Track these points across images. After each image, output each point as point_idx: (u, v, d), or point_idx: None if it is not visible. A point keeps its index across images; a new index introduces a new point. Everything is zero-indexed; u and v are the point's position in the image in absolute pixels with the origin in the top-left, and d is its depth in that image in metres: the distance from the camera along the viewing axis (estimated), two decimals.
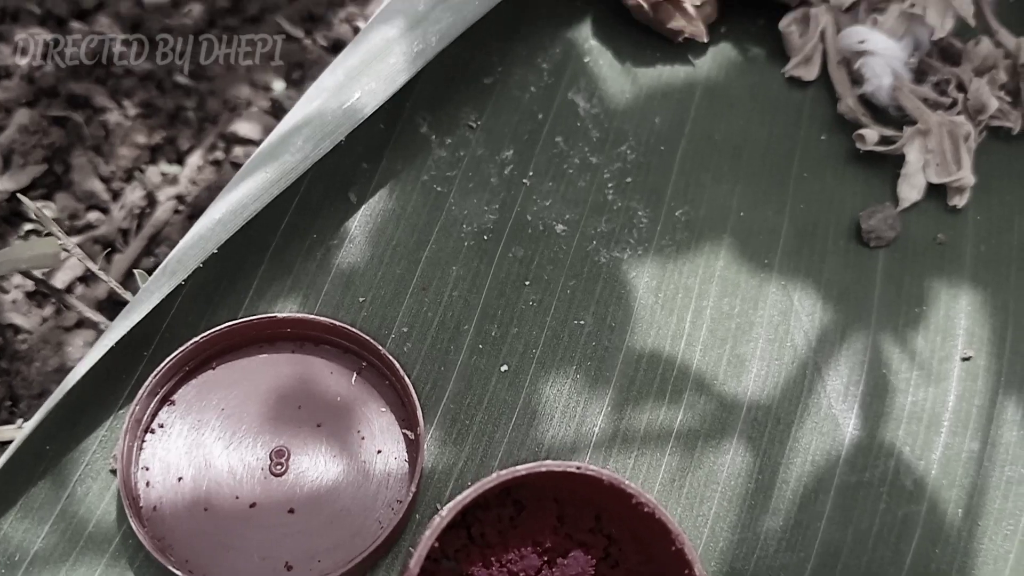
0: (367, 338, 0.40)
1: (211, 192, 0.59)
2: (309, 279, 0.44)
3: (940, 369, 0.45)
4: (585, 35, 0.54)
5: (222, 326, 0.40)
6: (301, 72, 0.65)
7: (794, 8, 0.55)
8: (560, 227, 0.47)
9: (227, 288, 0.43)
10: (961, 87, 0.53)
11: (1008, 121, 0.53)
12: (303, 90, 0.65)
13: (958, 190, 0.50)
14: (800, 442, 0.43)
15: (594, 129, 0.50)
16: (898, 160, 0.51)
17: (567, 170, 0.49)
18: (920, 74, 0.53)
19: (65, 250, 0.43)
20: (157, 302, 0.38)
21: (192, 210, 0.58)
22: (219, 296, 0.43)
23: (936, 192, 0.50)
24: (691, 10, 0.52)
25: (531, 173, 0.48)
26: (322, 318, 0.40)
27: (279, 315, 0.40)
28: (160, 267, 0.39)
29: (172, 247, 0.58)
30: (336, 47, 0.65)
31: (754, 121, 0.52)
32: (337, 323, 0.40)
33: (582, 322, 0.44)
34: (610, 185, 0.49)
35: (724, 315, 0.45)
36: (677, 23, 0.52)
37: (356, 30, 0.66)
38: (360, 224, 0.46)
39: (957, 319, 0.47)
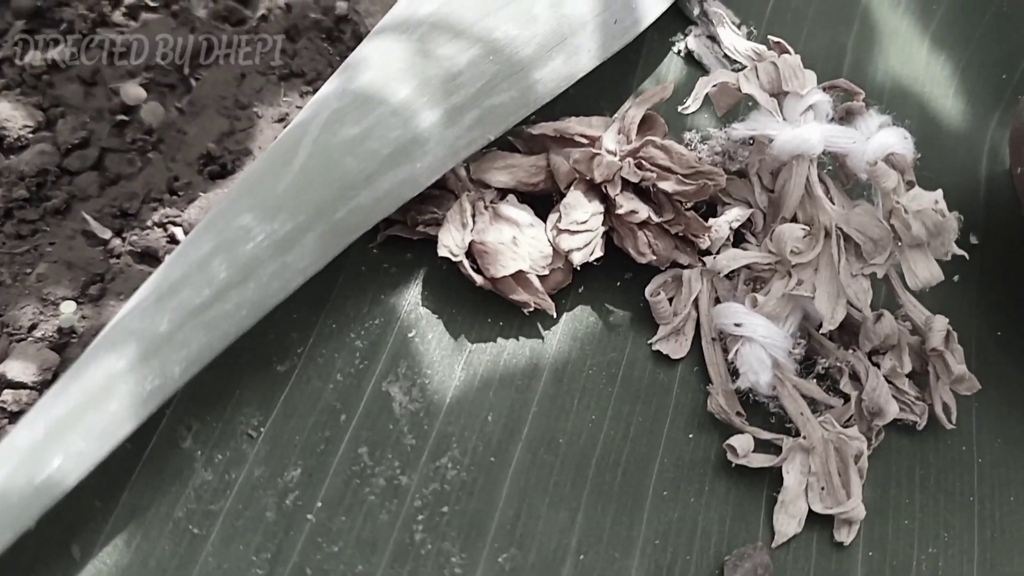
0: None
1: None
2: None
3: None
4: (413, 301, 0.44)
5: None
6: (100, 286, 0.54)
7: (664, 270, 0.46)
8: None
9: None
10: (855, 377, 0.45)
11: (913, 415, 0.45)
12: (100, 310, 0.54)
13: (846, 522, 0.42)
14: None
15: (410, 433, 0.41)
16: (776, 475, 0.42)
17: (368, 496, 0.39)
18: (810, 354, 0.45)
19: None
20: None
21: None
22: None
23: (820, 521, 0.42)
24: (535, 282, 0.43)
25: (320, 504, 0.39)
26: None
27: None
28: None
29: None
30: (145, 256, 0.55)
31: (609, 415, 0.43)
32: None
33: None
34: (420, 518, 0.39)
35: None
36: (520, 296, 0.43)
37: (171, 237, 0.56)
38: None
39: None
